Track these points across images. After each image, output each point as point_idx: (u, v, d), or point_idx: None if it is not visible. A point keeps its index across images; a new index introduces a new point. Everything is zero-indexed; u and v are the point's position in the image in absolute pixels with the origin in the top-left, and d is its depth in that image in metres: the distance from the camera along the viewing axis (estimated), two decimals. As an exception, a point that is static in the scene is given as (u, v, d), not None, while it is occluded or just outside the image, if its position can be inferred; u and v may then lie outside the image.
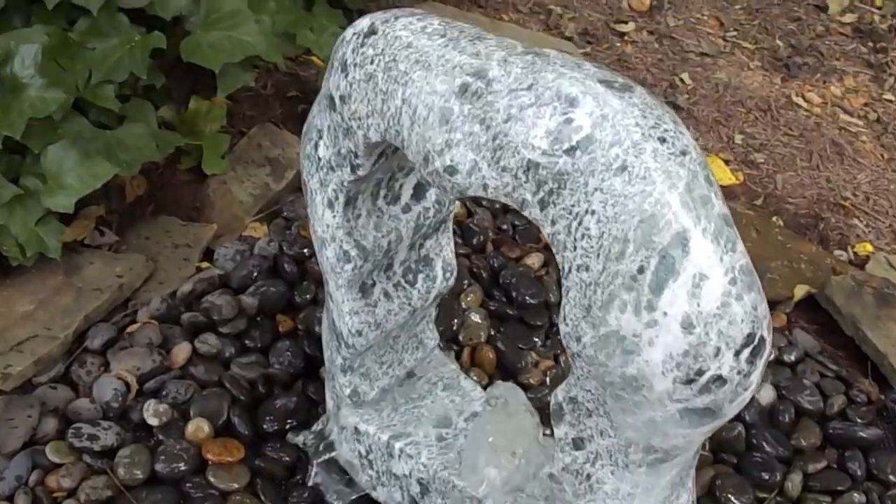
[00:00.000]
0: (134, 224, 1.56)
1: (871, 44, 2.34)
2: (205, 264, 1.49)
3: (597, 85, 0.78)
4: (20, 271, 1.43)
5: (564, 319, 0.82)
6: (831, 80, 2.21)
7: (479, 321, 1.44)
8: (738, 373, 0.77)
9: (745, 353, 0.77)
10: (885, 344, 1.47)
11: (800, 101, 2.12)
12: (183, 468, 1.24)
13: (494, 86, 0.81)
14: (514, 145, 0.79)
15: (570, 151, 0.76)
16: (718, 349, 0.76)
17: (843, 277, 1.59)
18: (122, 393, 1.31)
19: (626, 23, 2.23)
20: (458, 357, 1.40)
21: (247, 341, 1.41)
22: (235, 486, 1.24)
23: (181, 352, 1.37)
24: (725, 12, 2.36)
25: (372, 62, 0.90)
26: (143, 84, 1.55)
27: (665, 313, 0.75)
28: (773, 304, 1.58)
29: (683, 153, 0.77)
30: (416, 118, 0.85)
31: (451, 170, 0.83)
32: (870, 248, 1.77)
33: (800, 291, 1.60)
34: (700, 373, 0.77)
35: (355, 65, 0.91)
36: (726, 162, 1.91)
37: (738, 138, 1.98)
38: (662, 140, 0.76)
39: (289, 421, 1.31)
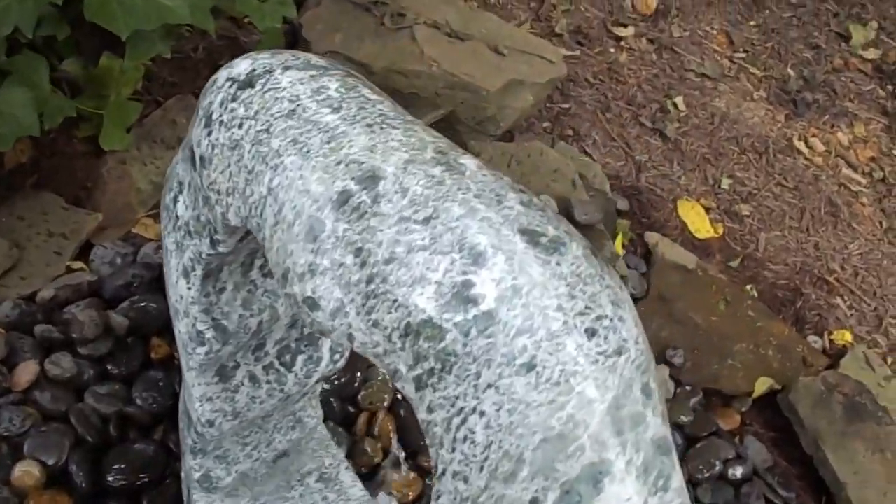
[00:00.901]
0: (9, 197, 1.32)
1: (890, 87, 2.11)
2: (77, 264, 1.27)
3: (515, 238, 0.56)
4: None
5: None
6: (840, 125, 1.99)
7: (385, 381, 1.23)
8: None
9: None
10: (845, 471, 1.28)
11: (801, 146, 1.90)
12: (-1, 523, 1.04)
13: (382, 205, 0.58)
14: (393, 298, 0.57)
15: (464, 328, 0.54)
16: None
17: (812, 380, 1.39)
18: None
19: (625, 26, 1.98)
20: (351, 422, 1.20)
21: (109, 366, 1.19)
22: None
23: (26, 371, 1.15)
24: (738, 28, 2.12)
25: (241, 126, 0.67)
26: (42, 35, 1.30)
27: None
28: (728, 399, 1.39)
29: (618, 352, 0.55)
30: (280, 219, 0.63)
31: (312, 303, 0.61)
32: (849, 336, 1.57)
33: (761, 386, 1.41)
34: None
35: (221, 123, 0.68)
36: (707, 210, 1.70)
37: (726, 182, 1.76)
38: (592, 333, 0.54)
39: (140, 476, 1.11)
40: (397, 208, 0.58)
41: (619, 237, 1.54)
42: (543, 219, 0.57)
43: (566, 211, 1.46)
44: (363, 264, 0.58)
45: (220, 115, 0.68)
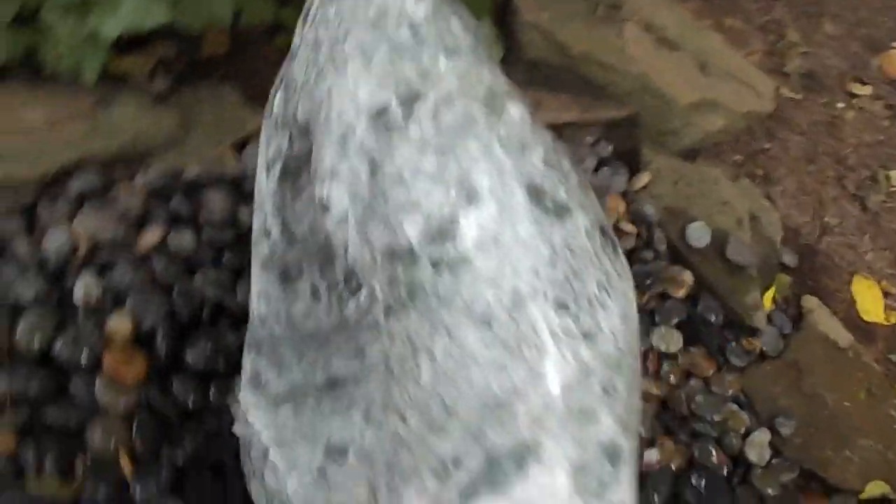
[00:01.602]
0: (196, 81, 1.41)
1: None
2: (231, 155, 1.33)
3: (518, 190, 0.53)
4: (51, 83, 1.31)
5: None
6: None
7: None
8: None
9: None
10: None
11: None
12: (78, 360, 1.11)
13: (411, 127, 0.57)
14: (386, 217, 0.55)
15: (437, 262, 0.52)
16: None
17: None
18: (67, 253, 1.18)
19: (864, 84, 1.84)
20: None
21: (226, 256, 1.24)
22: (118, 407, 1.09)
23: (151, 236, 1.22)
24: None
25: (326, 26, 0.67)
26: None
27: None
28: (829, 490, 1.27)
29: (587, 336, 0.51)
30: (327, 120, 0.63)
31: (324, 207, 0.61)
32: None
33: (874, 489, 1.27)
34: None
35: (313, 20, 0.69)
36: (886, 294, 1.55)
37: (918, 272, 1.60)
38: (563, 306, 0.51)
39: (216, 364, 1.15)
40: (422, 133, 0.56)
41: (773, 290, 1.44)
42: (560, 184, 0.54)
43: (720, 245, 1.38)
44: (373, 178, 0.57)
45: (315, 13, 0.69)
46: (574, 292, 0.51)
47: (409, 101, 0.58)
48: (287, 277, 0.90)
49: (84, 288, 1.16)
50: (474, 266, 0.51)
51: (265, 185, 0.83)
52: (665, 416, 1.23)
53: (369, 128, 0.58)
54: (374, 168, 0.56)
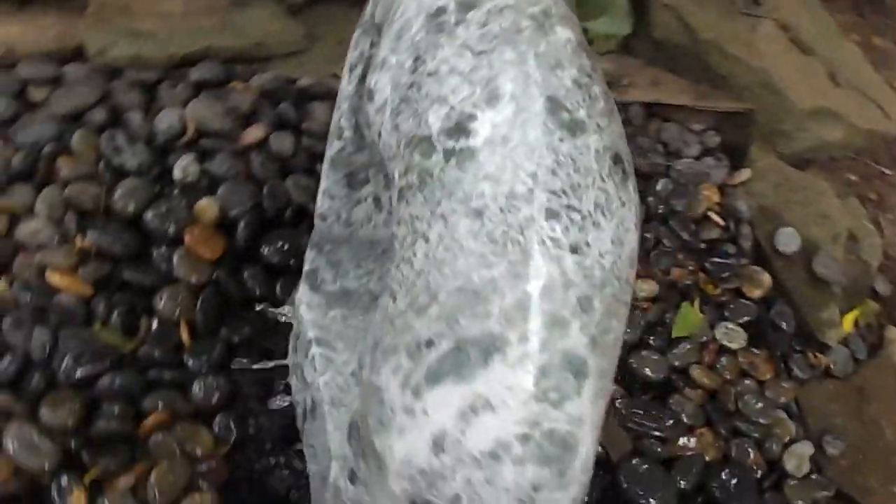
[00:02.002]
0: (328, 2, 1.46)
1: None
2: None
3: (539, 99, 0.55)
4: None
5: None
6: None
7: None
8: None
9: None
10: None
11: None
12: (164, 230, 1.19)
13: (459, 29, 0.60)
14: (416, 107, 0.58)
15: (448, 154, 0.55)
16: (455, 497, 0.55)
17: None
18: (176, 133, 1.26)
19: None
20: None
21: (319, 165, 1.30)
22: (189, 281, 1.17)
23: (254, 133, 1.29)
24: None
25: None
26: None
27: (425, 412, 0.55)
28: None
29: (573, 250, 0.53)
30: (394, 18, 0.66)
31: (370, 94, 0.64)
32: None
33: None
34: (425, 504, 0.57)
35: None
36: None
37: None
38: (553, 216, 0.53)
39: (290, 260, 1.21)
40: (467, 36, 0.59)
41: (856, 314, 1.40)
42: (583, 105, 0.56)
43: (808, 255, 1.36)
44: (414, 71, 0.60)
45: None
46: (568, 205, 0.52)
47: (466, 7, 0.61)
48: (353, 181, 0.94)
49: (183, 168, 1.23)
50: (479, 161, 0.53)
51: (345, 86, 0.87)
52: (710, 408, 1.22)
53: (423, 25, 0.61)
54: (417, 62, 0.59)
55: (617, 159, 0.55)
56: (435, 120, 0.56)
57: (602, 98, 0.57)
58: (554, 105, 0.54)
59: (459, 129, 0.54)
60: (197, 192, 1.23)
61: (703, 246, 1.34)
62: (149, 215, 1.19)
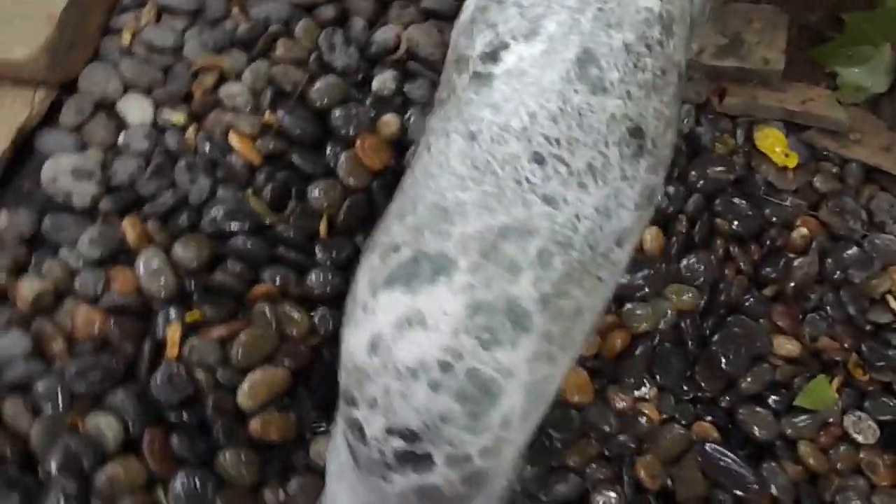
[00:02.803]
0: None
1: None
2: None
3: (574, 48, 0.54)
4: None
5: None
6: None
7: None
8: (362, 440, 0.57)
9: (394, 441, 0.56)
10: None
11: None
12: (344, 131, 1.26)
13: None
14: (474, 29, 0.59)
15: (475, 77, 0.56)
16: (373, 400, 0.56)
17: None
18: (388, 48, 1.32)
19: None
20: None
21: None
22: (346, 182, 1.23)
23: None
24: None
25: None
26: None
27: (374, 311, 0.57)
28: None
29: (546, 199, 0.52)
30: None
31: (461, 12, 0.65)
32: None
33: None
34: (352, 401, 0.58)
35: None
36: None
37: None
38: (539, 161, 0.52)
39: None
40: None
41: None
42: (622, 68, 0.54)
43: None
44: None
45: None
46: (557, 155, 0.51)
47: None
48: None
49: (382, 81, 1.29)
50: (492, 87, 0.53)
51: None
52: (804, 489, 1.13)
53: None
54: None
55: (636, 133, 0.53)
56: (480, 44, 0.56)
57: (654, 72, 0.55)
58: (587, 58, 0.53)
59: (493, 55, 0.55)
60: (385, 107, 1.28)
61: (867, 327, 1.23)
62: (336, 113, 1.26)
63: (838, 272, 1.26)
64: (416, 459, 0.54)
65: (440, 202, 0.53)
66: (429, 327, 0.52)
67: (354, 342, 0.57)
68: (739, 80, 1.39)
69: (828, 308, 1.24)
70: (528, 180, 0.51)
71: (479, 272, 0.52)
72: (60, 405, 1.05)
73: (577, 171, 0.52)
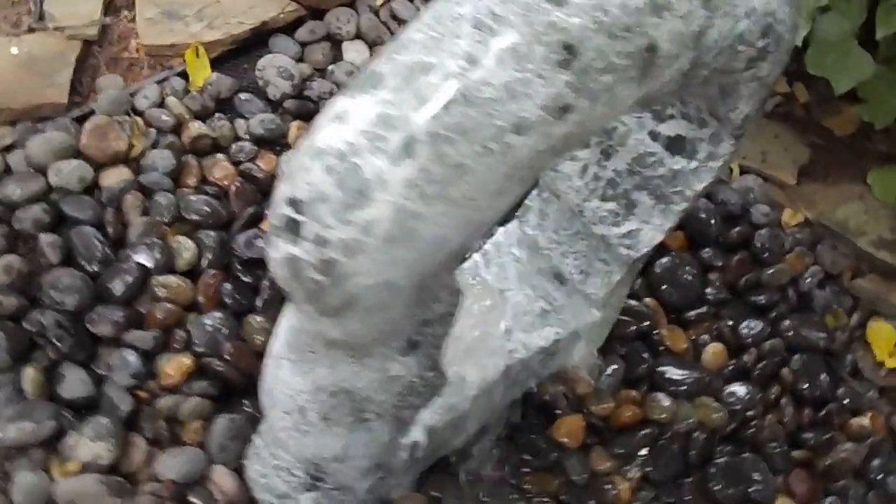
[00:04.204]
0: None
1: None
2: None
3: None
4: None
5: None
6: None
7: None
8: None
9: (286, 208, 0.67)
10: None
11: None
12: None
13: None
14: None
15: None
16: (289, 173, 0.68)
17: None
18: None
19: None
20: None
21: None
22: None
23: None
24: None
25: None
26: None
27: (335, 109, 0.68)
28: None
29: (472, 60, 0.63)
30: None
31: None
32: None
33: None
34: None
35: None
36: None
37: None
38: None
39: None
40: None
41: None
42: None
43: None
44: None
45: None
46: (490, 27, 0.60)
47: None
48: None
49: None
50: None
51: None
52: None
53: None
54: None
55: (569, 49, 0.61)
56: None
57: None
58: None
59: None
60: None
61: (879, 535, 1.18)
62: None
63: (880, 475, 1.22)
64: (293, 228, 0.65)
65: (402, 37, 0.65)
66: (344, 122, 0.63)
67: (309, 140, 0.69)
68: (885, 275, 1.38)
69: (850, 501, 1.20)
70: (463, 37, 0.62)
71: (397, 93, 0.63)
72: (166, 218, 1.25)
73: (504, 48, 0.61)
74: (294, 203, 0.66)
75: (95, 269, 1.19)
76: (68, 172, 1.25)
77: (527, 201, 1.16)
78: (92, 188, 1.27)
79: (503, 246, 1.18)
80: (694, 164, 0.95)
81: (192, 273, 1.21)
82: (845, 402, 1.27)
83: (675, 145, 0.96)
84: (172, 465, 1.06)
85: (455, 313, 0.83)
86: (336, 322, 0.73)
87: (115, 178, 1.27)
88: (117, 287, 1.17)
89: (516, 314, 1.12)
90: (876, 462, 1.22)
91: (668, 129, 0.96)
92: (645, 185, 1.00)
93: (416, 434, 1.01)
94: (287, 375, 0.88)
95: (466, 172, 0.64)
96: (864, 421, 1.25)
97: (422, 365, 0.85)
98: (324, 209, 0.64)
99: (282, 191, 0.67)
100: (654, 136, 0.97)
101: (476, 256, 1.16)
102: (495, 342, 1.09)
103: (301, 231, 0.66)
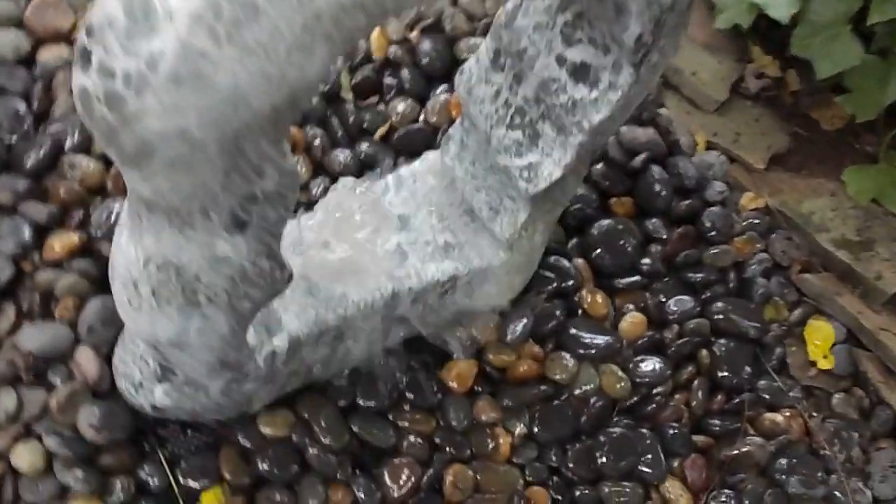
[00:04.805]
0: None
1: None
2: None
3: None
4: None
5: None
6: None
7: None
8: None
9: (85, 38, 0.63)
10: None
11: None
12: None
13: None
14: None
15: None
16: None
17: None
18: None
19: None
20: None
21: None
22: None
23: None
24: None
25: None
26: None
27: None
28: None
29: None
30: None
31: None
32: None
33: None
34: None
35: None
36: None
37: None
38: None
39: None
40: None
41: None
42: None
43: None
44: None
45: None
46: None
47: None
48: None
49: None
50: None
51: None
52: None
53: None
54: None
55: None
56: None
57: None
58: None
59: None
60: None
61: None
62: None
63: (782, 476, 1.14)
64: (86, 56, 0.62)
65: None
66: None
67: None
68: (842, 279, 1.30)
69: (743, 499, 1.12)
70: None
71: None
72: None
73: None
74: (89, 30, 0.62)
75: (14, 139, 1.16)
76: (6, 42, 1.23)
77: (450, 130, 1.11)
78: (29, 61, 1.24)
79: (419, 172, 1.13)
80: (595, 93, 0.90)
81: (109, 159, 1.18)
82: (764, 396, 1.19)
83: (580, 72, 0.90)
84: (36, 337, 1.04)
85: (288, 196, 0.78)
86: (141, 176, 0.69)
87: (52, 54, 1.25)
88: (29, 159, 1.15)
89: (416, 242, 1.08)
90: (783, 461, 1.14)
91: (575, 54, 0.90)
92: (549, 114, 0.95)
93: (277, 341, 0.97)
94: (124, 243, 0.84)
95: (260, 14, 0.60)
96: (779, 418, 1.17)
97: (253, 249, 0.80)
98: (110, 36, 0.61)
99: (86, 18, 0.64)
100: (560, 60, 0.91)
101: (388, 178, 1.12)
102: (383, 264, 1.04)
103: (91, 59, 0.62)
